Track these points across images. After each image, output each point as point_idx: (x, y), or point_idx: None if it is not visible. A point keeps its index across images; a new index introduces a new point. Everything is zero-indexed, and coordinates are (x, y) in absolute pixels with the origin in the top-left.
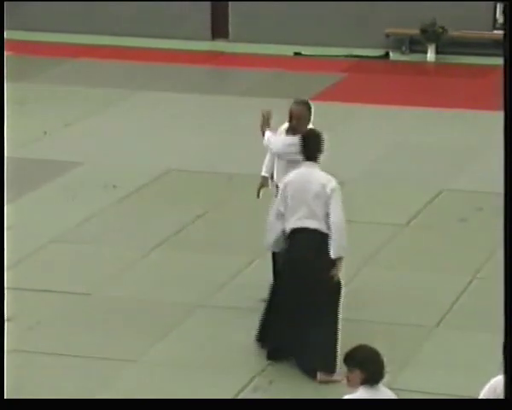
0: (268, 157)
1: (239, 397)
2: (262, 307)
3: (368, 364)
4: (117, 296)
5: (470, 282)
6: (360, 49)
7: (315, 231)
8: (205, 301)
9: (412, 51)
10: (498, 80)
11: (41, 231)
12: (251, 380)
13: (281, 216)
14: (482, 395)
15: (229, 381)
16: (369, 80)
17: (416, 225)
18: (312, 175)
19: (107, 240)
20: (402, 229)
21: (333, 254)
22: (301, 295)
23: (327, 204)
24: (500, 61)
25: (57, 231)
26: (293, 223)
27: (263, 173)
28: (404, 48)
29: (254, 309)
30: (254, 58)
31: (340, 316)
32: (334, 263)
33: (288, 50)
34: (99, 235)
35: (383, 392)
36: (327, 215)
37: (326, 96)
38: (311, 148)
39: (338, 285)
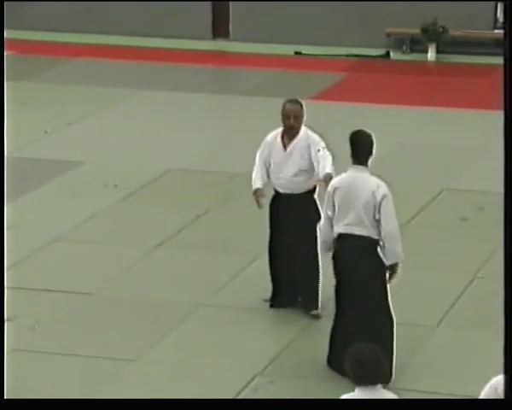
0: (258, 165)
1: (240, 397)
2: (263, 306)
3: (354, 364)
4: (117, 296)
5: (471, 281)
6: (361, 48)
7: (362, 238)
8: (206, 301)
9: (413, 51)
10: (499, 80)
11: (41, 230)
12: (252, 380)
13: (329, 220)
14: (483, 395)
15: (230, 380)
16: (370, 80)
17: (416, 224)
18: (362, 181)
19: (108, 240)
20: (402, 228)
21: (387, 262)
22: (355, 306)
23: (378, 211)
24: (501, 60)
25: (58, 231)
26: (341, 228)
27: (257, 186)
28: (404, 47)
29: (255, 309)
30: (255, 57)
31: (395, 325)
32: (381, 269)
33: (289, 50)
34: (100, 234)
35: (381, 393)
36: (378, 222)
37: (327, 95)
38: (360, 151)
39: (384, 293)
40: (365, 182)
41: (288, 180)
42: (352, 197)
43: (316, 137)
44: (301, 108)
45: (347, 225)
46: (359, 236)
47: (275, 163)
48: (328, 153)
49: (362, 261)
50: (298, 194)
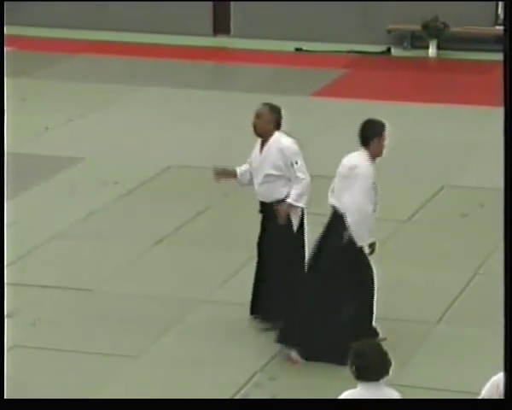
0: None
1: (240, 393)
2: None
3: (355, 358)
4: (118, 292)
5: (472, 278)
6: (362, 44)
7: None
8: (206, 297)
9: (414, 47)
10: (500, 76)
11: (42, 226)
12: (252, 377)
13: None
14: (484, 392)
15: (230, 377)
16: (371, 76)
17: (417, 221)
18: None
19: (109, 236)
20: (403, 225)
21: None
22: None
23: None
24: (502, 57)
25: (58, 227)
26: None
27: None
28: (405, 44)
29: None
30: (256, 54)
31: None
32: None
33: (290, 46)
34: (100, 231)
35: (384, 391)
36: None
37: (327, 91)
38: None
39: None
40: None
41: (258, 186)
42: None
43: (290, 145)
44: (269, 110)
45: None
46: None
47: (252, 167)
48: (300, 172)
49: None
50: (270, 202)
